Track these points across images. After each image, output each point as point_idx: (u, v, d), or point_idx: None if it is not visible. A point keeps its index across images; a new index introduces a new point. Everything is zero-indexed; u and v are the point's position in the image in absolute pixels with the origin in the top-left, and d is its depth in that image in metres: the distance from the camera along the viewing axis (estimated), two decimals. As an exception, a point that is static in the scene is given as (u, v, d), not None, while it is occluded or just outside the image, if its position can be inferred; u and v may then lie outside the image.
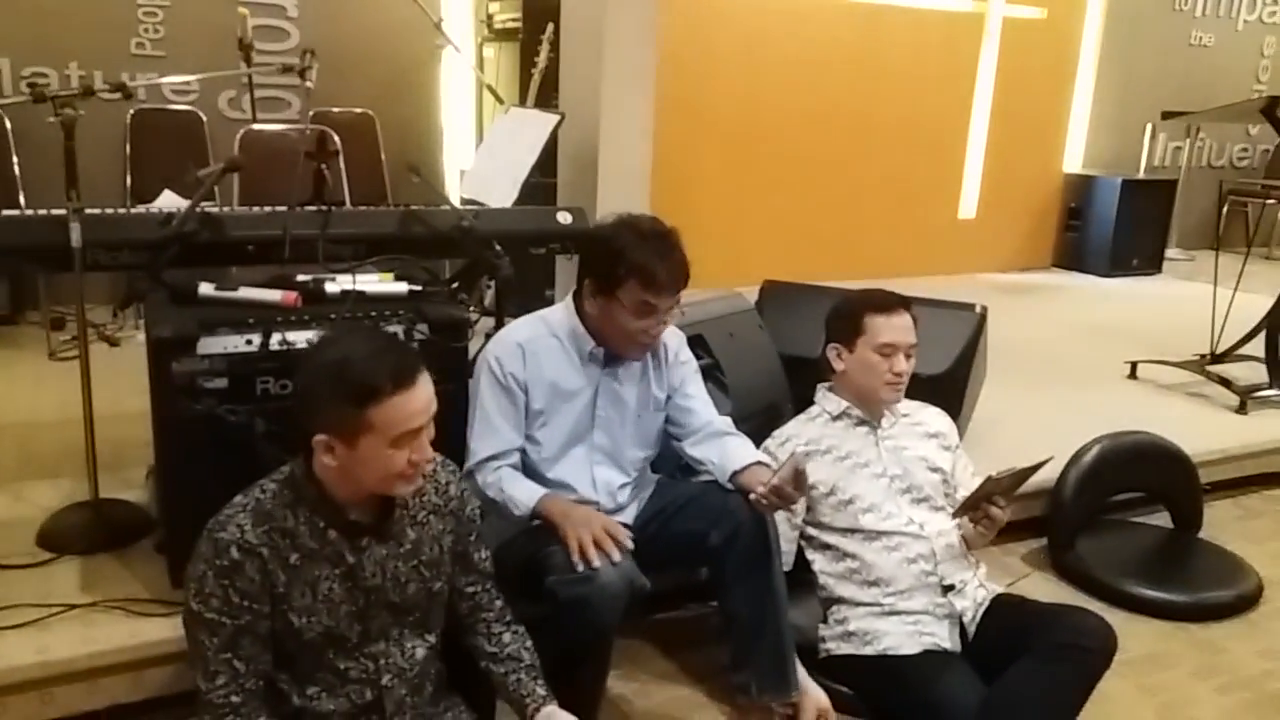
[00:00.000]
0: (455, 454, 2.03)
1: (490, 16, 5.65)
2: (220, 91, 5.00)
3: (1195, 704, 2.47)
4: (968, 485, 2.44)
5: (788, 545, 2.39)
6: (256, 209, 2.61)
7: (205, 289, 2.21)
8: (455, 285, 2.53)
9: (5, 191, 4.33)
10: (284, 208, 2.54)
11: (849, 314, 2.41)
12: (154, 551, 2.41)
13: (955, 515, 2.35)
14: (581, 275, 2.22)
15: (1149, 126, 7.56)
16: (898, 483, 2.39)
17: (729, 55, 5.82)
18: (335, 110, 5.05)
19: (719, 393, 2.82)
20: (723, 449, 2.30)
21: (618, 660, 2.43)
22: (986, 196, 6.98)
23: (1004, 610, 2.29)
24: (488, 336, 2.38)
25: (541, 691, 1.83)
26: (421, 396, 1.59)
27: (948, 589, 2.29)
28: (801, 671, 2.25)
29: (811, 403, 2.54)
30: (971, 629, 2.27)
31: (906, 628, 2.26)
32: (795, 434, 2.47)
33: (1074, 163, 7.45)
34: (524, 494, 2.13)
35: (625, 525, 2.27)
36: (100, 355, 3.73)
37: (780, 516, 2.29)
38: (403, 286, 2.31)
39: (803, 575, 2.41)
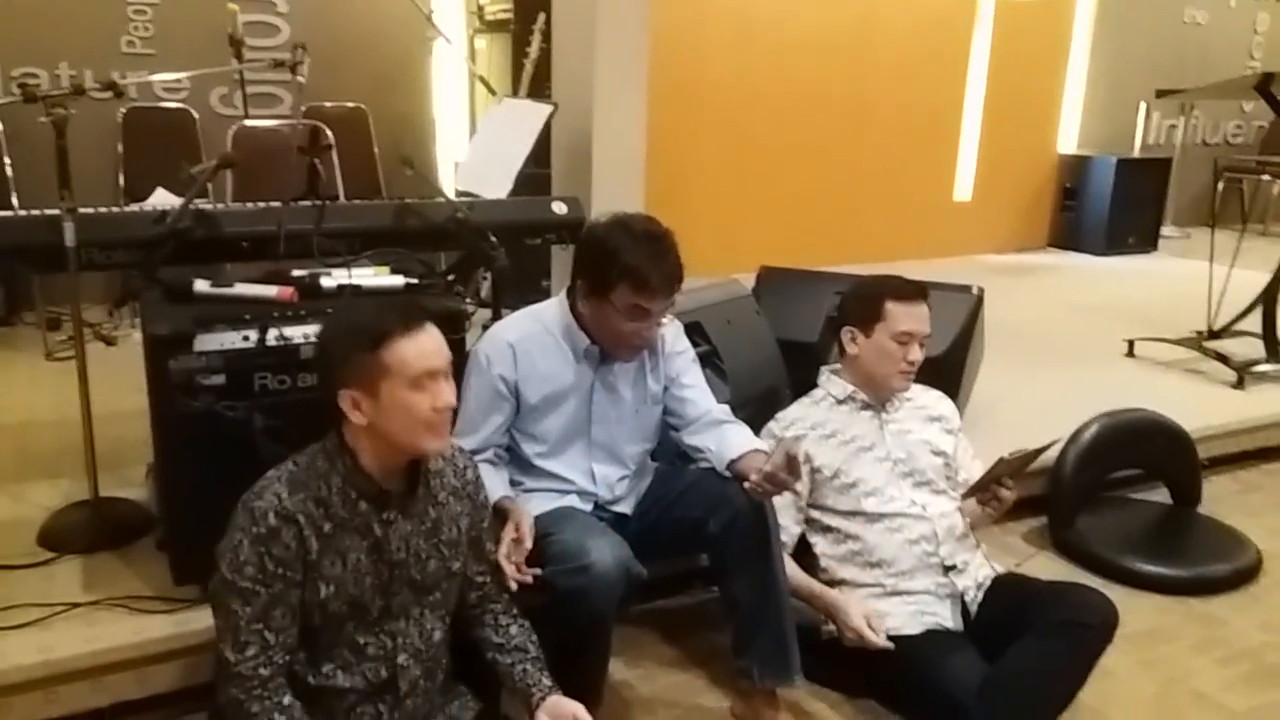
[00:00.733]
0: (455, 445, 2.02)
1: (481, 8, 5.63)
2: (212, 88, 4.99)
3: (1196, 677, 2.49)
4: (968, 468, 2.45)
5: (794, 528, 2.40)
6: (250, 205, 2.60)
7: (201, 286, 2.21)
8: (451, 277, 2.53)
9: (-2, 192, 4.33)
10: (278, 203, 2.54)
11: (869, 299, 2.40)
12: (155, 549, 2.42)
13: (964, 496, 2.36)
14: (575, 275, 2.21)
15: (1143, 105, 7.56)
16: (901, 466, 2.39)
17: (722, 42, 5.82)
18: (327, 105, 5.04)
19: (717, 379, 2.83)
20: (720, 437, 2.30)
21: (620, 647, 2.44)
22: (982, 178, 6.97)
23: (1005, 589, 2.30)
24: (484, 328, 2.38)
25: (547, 682, 1.85)
26: (433, 338, 1.64)
27: (949, 569, 2.30)
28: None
29: (812, 386, 2.54)
30: (973, 608, 2.28)
31: (909, 608, 2.27)
32: (800, 417, 2.47)
33: (1069, 143, 7.45)
34: (489, 487, 2.09)
35: (623, 516, 2.30)
36: (97, 355, 3.75)
37: (787, 500, 2.29)
38: (398, 280, 2.31)
39: (804, 558, 2.42)
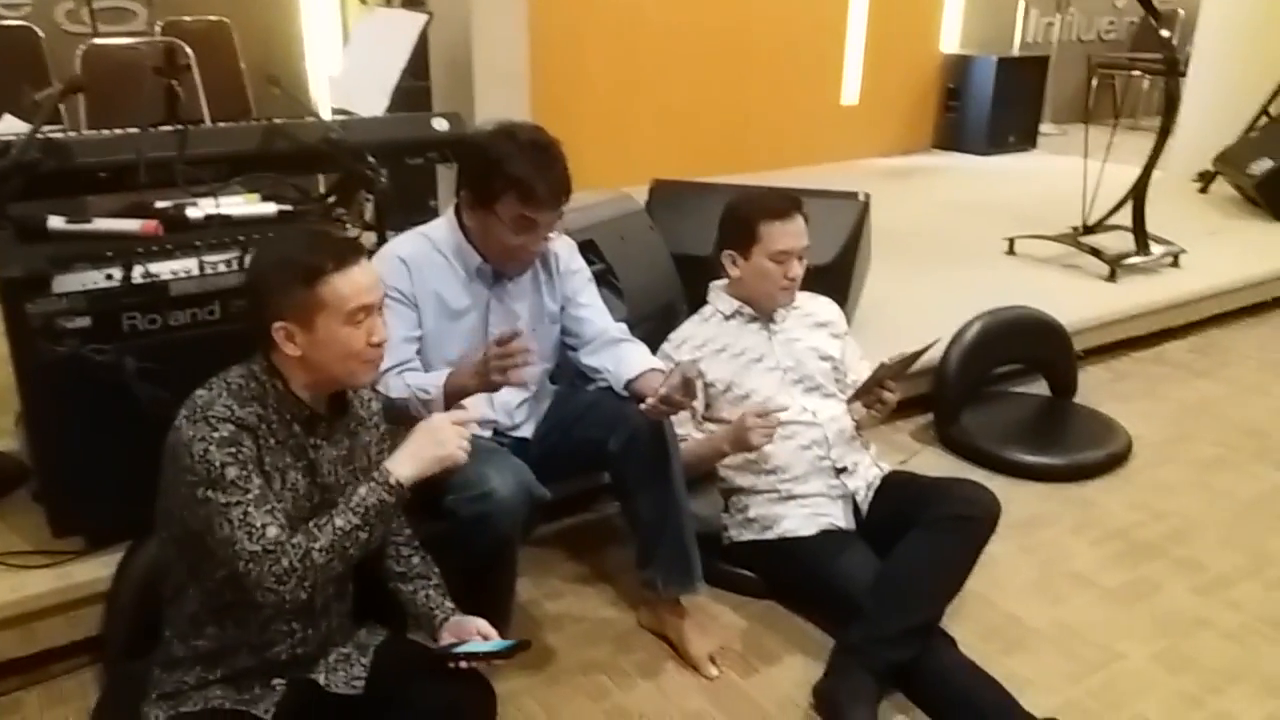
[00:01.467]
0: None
1: (347, -91, 5.32)
2: (57, 3, 4.64)
3: (1073, 558, 2.64)
4: (857, 370, 2.50)
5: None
6: (106, 132, 2.42)
7: (55, 223, 2.08)
8: (331, 202, 2.42)
9: None
10: (136, 129, 2.37)
11: (742, 221, 2.39)
12: (32, 501, 2.31)
13: (850, 401, 2.42)
14: (459, 186, 2.15)
15: (1021, 2, 7.66)
16: (790, 374, 2.44)
17: (604, -56, 5.65)
18: (186, 19, 4.73)
19: (613, 298, 2.81)
20: (618, 356, 2.29)
21: (527, 567, 2.46)
22: (868, 81, 7.01)
23: (894, 487, 2.39)
24: (370, 254, 2.30)
25: (449, 605, 1.86)
26: (367, 274, 1.64)
27: (840, 471, 2.37)
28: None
29: (706, 302, 2.55)
30: (864, 507, 2.37)
31: (803, 511, 2.34)
32: (690, 335, 2.49)
33: (951, 43, 7.52)
34: (430, 379, 2.08)
35: (523, 440, 2.28)
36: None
37: (685, 415, 2.31)
38: (271, 207, 2.20)
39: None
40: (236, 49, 4.86)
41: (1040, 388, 3.57)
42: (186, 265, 2.06)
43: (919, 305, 3.85)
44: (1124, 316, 4.04)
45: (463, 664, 1.76)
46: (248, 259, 2.03)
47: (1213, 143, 5.97)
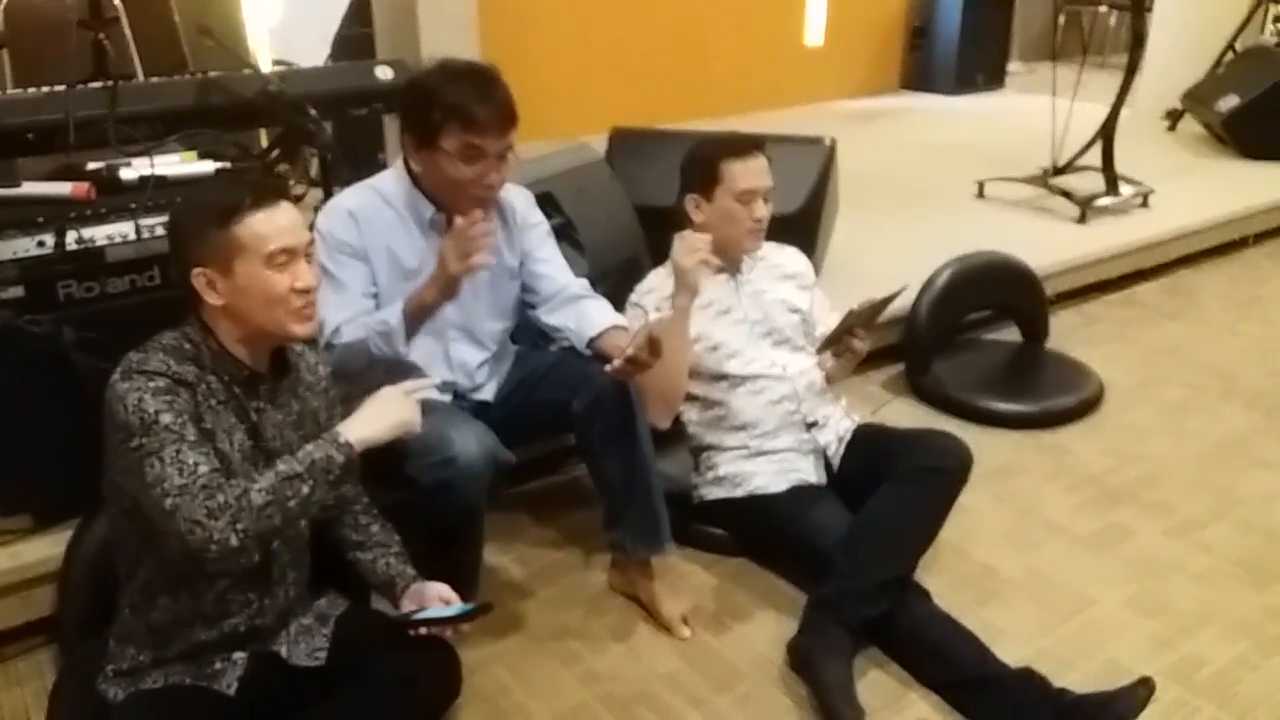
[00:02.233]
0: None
1: None
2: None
3: (1046, 505, 2.63)
4: (825, 322, 2.45)
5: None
6: (31, 90, 2.30)
7: (-20, 188, 1.98)
8: (273, 157, 2.32)
9: None
10: (63, 87, 2.26)
11: (704, 162, 2.32)
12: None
13: (818, 351, 2.37)
14: (402, 130, 2.06)
15: (987, -62, 7.53)
16: (759, 327, 2.38)
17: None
18: (111, -32, 4.50)
19: (574, 252, 2.73)
20: (579, 314, 2.23)
21: (494, 532, 2.41)
22: (833, 21, 6.86)
23: (865, 440, 2.35)
24: (317, 210, 2.21)
25: (411, 571, 1.84)
26: (288, 215, 1.58)
27: (811, 426, 2.33)
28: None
29: (670, 254, 2.48)
30: (835, 461, 2.33)
31: (774, 467, 2.30)
32: (657, 285, 2.42)
33: (917, -20, 7.40)
34: (387, 312, 2.00)
35: (484, 404, 2.22)
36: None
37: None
38: (209, 165, 2.12)
39: (672, 426, 2.41)
40: (169, -2, 4.65)
41: (1012, 334, 3.54)
42: (122, 229, 1.99)
43: (888, 252, 3.81)
44: (1094, 259, 4.01)
45: (423, 630, 1.73)
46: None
47: (1180, 80, 5.93)
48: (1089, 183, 4.50)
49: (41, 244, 1.92)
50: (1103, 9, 7.89)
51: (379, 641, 1.74)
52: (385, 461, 1.97)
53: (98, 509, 1.80)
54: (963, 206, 4.61)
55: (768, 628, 2.17)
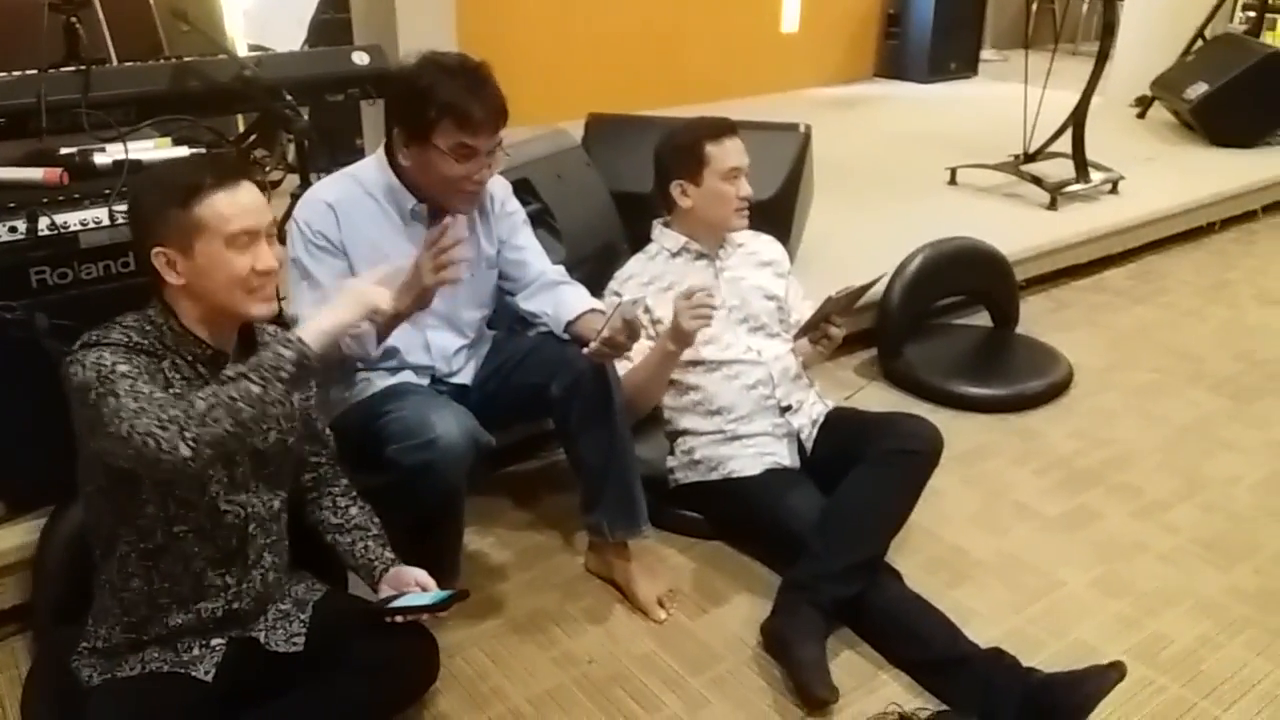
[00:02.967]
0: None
1: None
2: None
3: (1015, 488, 2.67)
4: (800, 309, 2.48)
5: None
6: (2, 75, 2.28)
7: (-50, 173, 1.95)
8: (249, 143, 2.31)
9: None
10: (34, 71, 2.23)
11: (688, 147, 2.34)
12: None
13: (795, 338, 2.39)
14: (390, 124, 2.05)
15: (960, -74, 7.54)
16: (736, 313, 2.40)
17: None
18: (83, -52, 4.42)
19: (551, 239, 2.74)
20: (556, 299, 2.24)
21: (472, 516, 2.42)
22: (808, 8, 6.89)
23: (838, 424, 2.38)
24: (293, 196, 2.20)
25: (389, 555, 1.83)
26: (250, 195, 1.56)
27: (785, 410, 2.36)
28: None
29: (648, 239, 2.50)
30: (809, 445, 2.36)
31: (749, 451, 2.32)
32: (636, 272, 2.43)
33: (891, -33, 7.42)
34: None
35: (463, 387, 2.23)
36: None
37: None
38: (184, 150, 2.10)
39: (649, 410, 2.43)
40: (144, -20, 4.58)
41: (983, 319, 3.58)
42: (96, 215, 1.96)
43: (862, 239, 3.83)
44: (1064, 245, 4.06)
45: (399, 619, 1.73)
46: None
47: (1150, 67, 5.99)
48: (1060, 169, 4.54)
49: (13, 230, 1.89)
50: (1075, -3, 7.94)
51: (357, 627, 1.74)
52: (366, 445, 1.99)
53: (72, 496, 1.79)
54: (935, 193, 4.64)
55: (742, 609, 2.19)
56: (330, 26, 3.26)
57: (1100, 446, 2.87)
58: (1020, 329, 3.52)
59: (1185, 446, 2.88)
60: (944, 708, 1.92)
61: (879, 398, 3.10)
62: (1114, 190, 4.57)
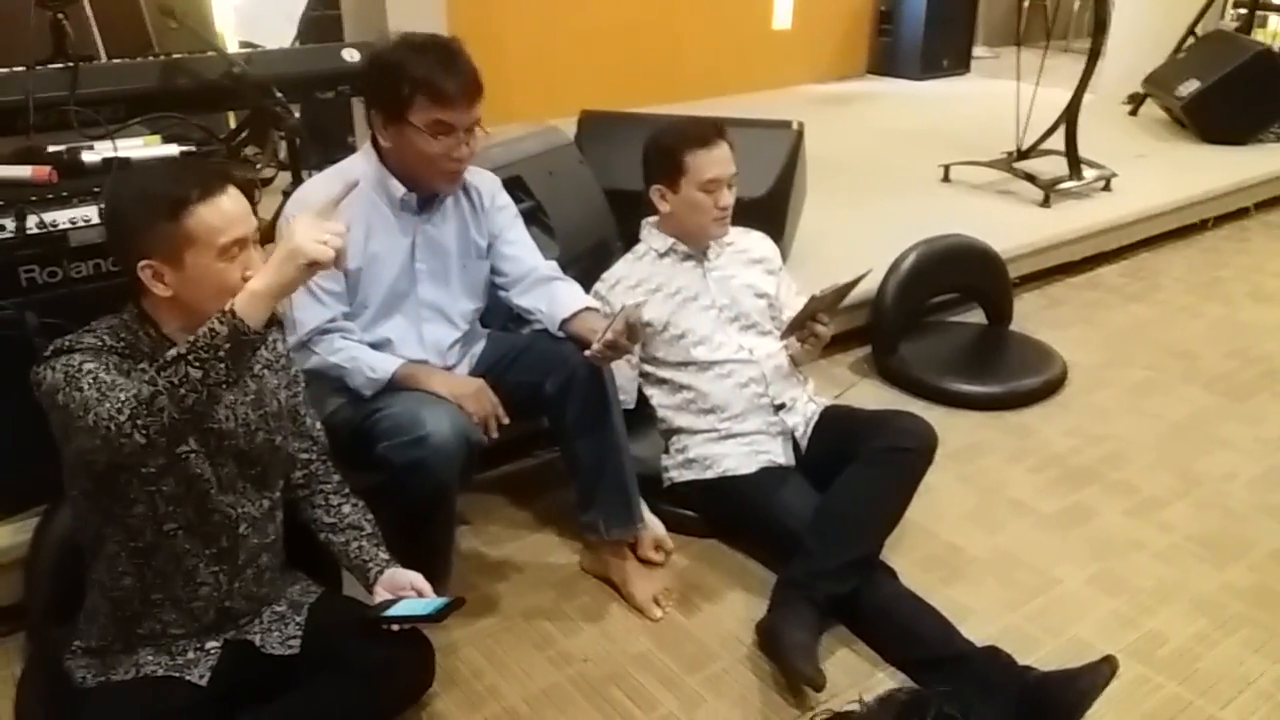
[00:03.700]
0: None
1: None
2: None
3: (1010, 485, 2.67)
4: (792, 306, 2.47)
5: (630, 386, 2.39)
6: (-11, 72, 2.26)
7: (-62, 171, 1.93)
8: (240, 140, 2.29)
9: None
10: (22, 68, 2.21)
11: (666, 152, 2.32)
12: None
13: (783, 336, 2.39)
14: (368, 108, 2.04)
15: (953, -77, 7.54)
16: (726, 312, 2.39)
17: None
18: (75, -55, 4.39)
19: (544, 236, 2.73)
20: (550, 296, 2.23)
21: (467, 514, 2.43)
22: (800, 5, 6.89)
23: (832, 421, 2.37)
24: (285, 194, 2.19)
25: (384, 556, 1.82)
26: (236, 202, 1.53)
27: (779, 408, 2.35)
28: (643, 506, 2.29)
29: (639, 239, 2.49)
30: (803, 443, 2.35)
31: (743, 449, 2.32)
32: (624, 275, 2.42)
33: (883, -36, 7.42)
34: (380, 360, 2.02)
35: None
36: None
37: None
38: (173, 149, 2.08)
39: (643, 409, 2.43)
40: (133, -24, 4.55)
41: (977, 316, 3.58)
42: (85, 213, 1.95)
43: (856, 236, 3.83)
44: (1058, 242, 4.06)
45: (394, 627, 1.72)
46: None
47: (1142, 64, 6.00)
48: (1053, 166, 4.55)
49: (2, 228, 1.87)
50: (1067, -6, 7.95)
51: (353, 630, 1.73)
52: (356, 442, 1.98)
53: (64, 496, 1.76)
54: (929, 190, 4.64)
55: (738, 608, 2.19)
56: (320, 23, 3.24)
57: (1095, 444, 2.87)
58: (1014, 326, 3.52)
59: (1180, 443, 2.88)
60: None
61: (873, 395, 3.09)
62: (1107, 187, 4.57)
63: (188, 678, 1.60)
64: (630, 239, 2.57)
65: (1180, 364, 3.37)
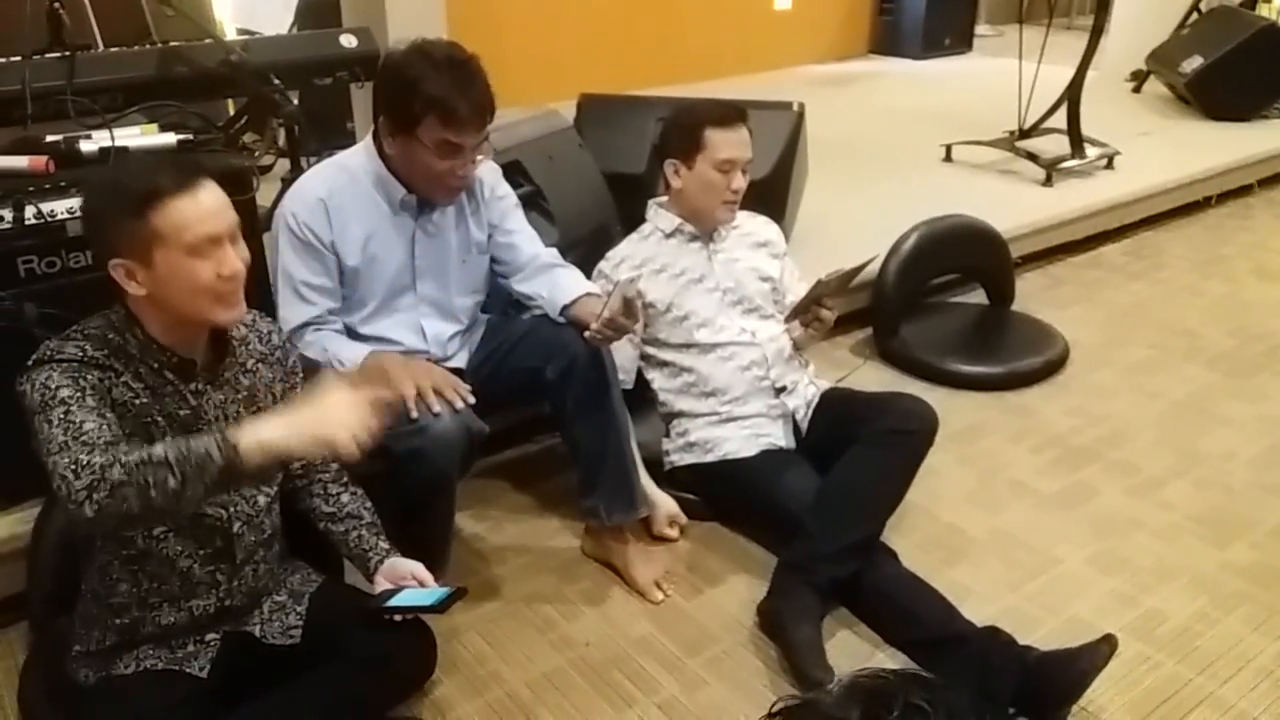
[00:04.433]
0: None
1: None
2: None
3: (1011, 466, 2.67)
4: (794, 290, 2.47)
5: (630, 366, 2.38)
6: (-15, 61, 2.26)
7: (-65, 162, 1.94)
8: (239, 127, 2.29)
9: None
10: (18, 57, 2.21)
11: (688, 128, 2.31)
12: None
13: (787, 320, 2.39)
14: (376, 112, 2.03)
15: (954, -101, 7.49)
16: (730, 295, 2.39)
17: None
18: (73, -68, 4.37)
19: (544, 221, 2.72)
20: (551, 282, 2.23)
21: (468, 500, 2.43)
22: (801, -16, 6.85)
23: (833, 404, 2.37)
24: (283, 181, 2.18)
25: (384, 545, 1.82)
26: (210, 199, 1.47)
27: (780, 391, 2.35)
28: (652, 485, 2.31)
29: (642, 220, 2.48)
30: (804, 425, 2.35)
31: (744, 432, 2.32)
32: (629, 254, 2.42)
33: (884, -58, 7.37)
34: (350, 350, 2.02)
35: (458, 371, 2.22)
36: None
37: (623, 338, 2.26)
38: (170, 137, 2.08)
39: (644, 393, 2.43)
40: (131, -36, 4.53)
41: (978, 297, 3.57)
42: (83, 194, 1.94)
43: (857, 217, 3.82)
44: (1060, 221, 4.04)
45: (396, 618, 1.72)
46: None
47: (1145, 41, 5.96)
48: (1055, 145, 4.52)
49: (0, 218, 1.88)
50: (1070, -30, 7.89)
51: (354, 620, 1.72)
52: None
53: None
54: (931, 170, 4.62)
55: (739, 591, 2.19)
56: (318, 9, 3.23)
57: (1096, 423, 2.87)
58: (1016, 306, 3.51)
59: (1181, 422, 2.88)
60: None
61: (874, 377, 3.09)
62: (1109, 166, 4.55)
63: (188, 670, 1.60)
64: (630, 223, 2.57)
65: (1182, 342, 3.36)
